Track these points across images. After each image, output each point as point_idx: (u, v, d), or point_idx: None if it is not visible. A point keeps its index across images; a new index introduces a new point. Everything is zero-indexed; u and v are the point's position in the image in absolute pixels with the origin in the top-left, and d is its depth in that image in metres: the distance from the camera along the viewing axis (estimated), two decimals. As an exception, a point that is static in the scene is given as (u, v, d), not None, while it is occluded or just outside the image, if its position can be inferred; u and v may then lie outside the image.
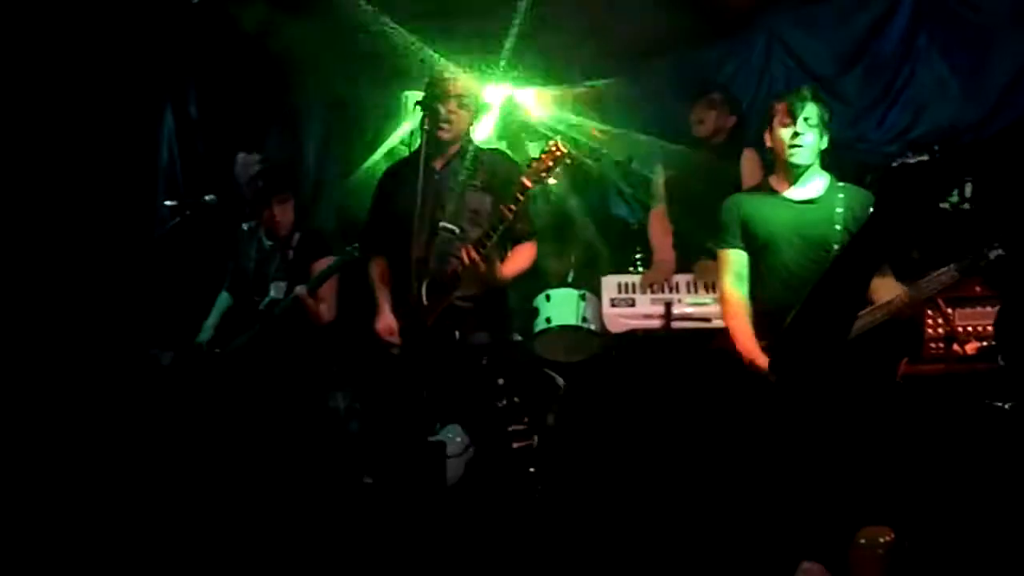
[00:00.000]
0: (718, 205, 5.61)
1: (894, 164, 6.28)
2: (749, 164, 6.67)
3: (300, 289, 6.33)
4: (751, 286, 5.36)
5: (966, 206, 6.24)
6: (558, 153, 4.91)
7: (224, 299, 7.01)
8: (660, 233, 6.95)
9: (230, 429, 6.27)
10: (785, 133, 5.24)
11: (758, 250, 5.33)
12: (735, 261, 5.35)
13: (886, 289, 5.17)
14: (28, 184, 7.16)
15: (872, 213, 5.42)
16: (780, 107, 5.28)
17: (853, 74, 7.48)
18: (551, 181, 4.96)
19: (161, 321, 7.91)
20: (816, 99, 5.28)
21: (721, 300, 5.39)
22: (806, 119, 5.21)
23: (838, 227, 5.21)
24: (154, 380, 6.86)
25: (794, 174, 5.31)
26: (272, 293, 6.50)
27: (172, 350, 7.23)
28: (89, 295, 7.20)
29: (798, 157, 5.25)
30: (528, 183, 4.92)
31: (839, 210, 5.24)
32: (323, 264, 6.43)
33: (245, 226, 6.84)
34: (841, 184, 5.39)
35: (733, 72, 7.89)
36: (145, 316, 7.58)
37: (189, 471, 6.11)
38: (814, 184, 5.35)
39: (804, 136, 5.22)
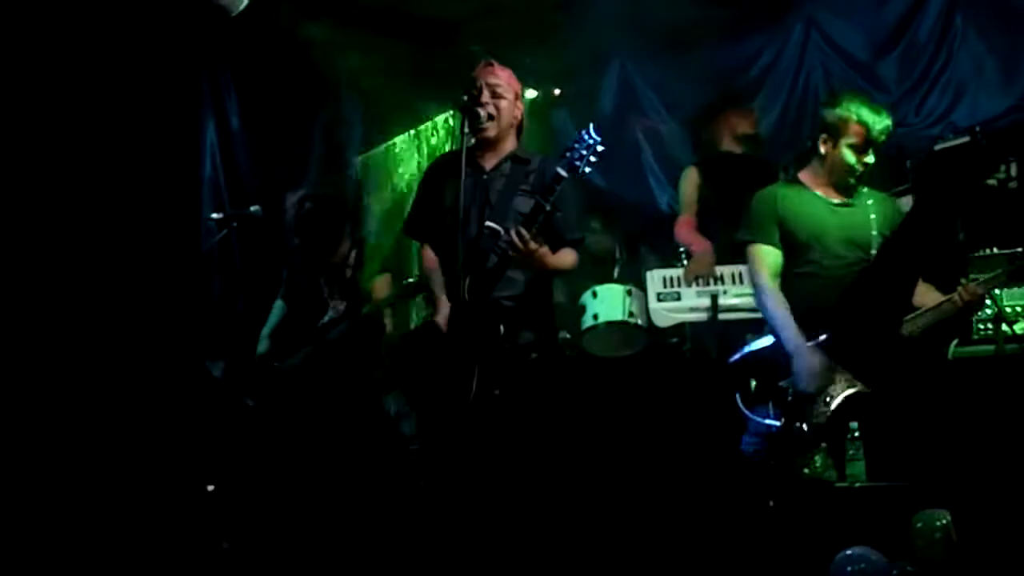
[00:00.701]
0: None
1: (936, 147, 6.31)
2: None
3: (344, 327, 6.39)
4: (784, 283, 5.37)
5: (1013, 184, 6.24)
6: (592, 142, 4.90)
7: (279, 307, 6.97)
8: (688, 233, 6.95)
9: (287, 438, 6.29)
10: (854, 160, 5.22)
11: (797, 248, 5.33)
12: (773, 259, 5.34)
13: (929, 296, 5.19)
14: (72, 201, 7.23)
15: (916, 197, 5.46)
16: (857, 130, 5.19)
17: (890, 59, 7.47)
18: (586, 170, 4.91)
19: (211, 333, 7.99)
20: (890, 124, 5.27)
21: (760, 296, 5.35)
22: (879, 146, 5.23)
23: (874, 232, 5.23)
24: (208, 391, 6.90)
25: (843, 189, 5.34)
26: (330, 313, 6.49)
27: (223, 360, 7.29)
28: (139, 310, 7.25)
29: (854, 180, 5.29)
30: (563, 172, 4.90)
31: (872, 215, 5.26)
32: (380, 283, 6.44)
33: (298, 241, 6.83)
34: (866, 189, 5.41)
35: (771, 61, 7.90)
36: (196, 329, 7.63)
37: (249, 480, 6.16)
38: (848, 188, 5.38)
39: (871, 164, 5.23)
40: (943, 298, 5.11)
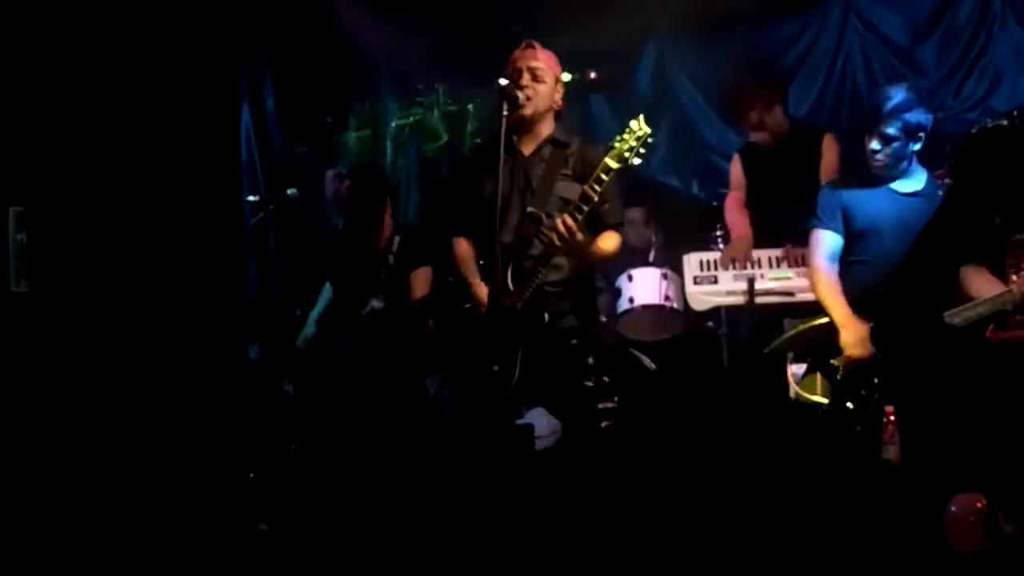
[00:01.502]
0: (795, 192, 5.68)
1: (973, 130, 6.29)
2: (831, 151, 6.65)
3: (385, 320, 6.38)
4: (841, 272, 5.46)
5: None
6: (641, 133, 4.89)
7: (328, 290, 6.93)
8: (736, 214, 6.94)
9: (328, 425, 6.29)
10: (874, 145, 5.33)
11: (857, 236, 5.44)
12: (831, 243, 5.48)
13: (983, 282, 5.16)
14: (108, 185, 7.26)
15: (954, 180, 5.46)
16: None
17: (929, 43, 7.45)
18: (635, 161, 4.91)
19: (248, 316, 8.02)
20: (914, 109, 5.32)
21: (813, 275, 5.50)
22: (887, 136, 5.29)
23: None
24: (245, 375, 6.92)
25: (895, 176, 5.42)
26: (373, 303, 6.47)
27: (259, 344, 7.32)
28: (182, 294, 7.28)
29: (886, 171, 5.39)
30: (613, 164, 4.90)
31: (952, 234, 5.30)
32: (421, 276, 6.38)
33: (342, 226, 6.80)
34: (939, 181, 5.53)
35: (808, 46, 7.87)
36: (236, 312, 7.67)
37: (288, 463, 6.18)
38: (917, 178, 5.47)
39: (891, 149, 5.32)
40: (1000, 288, 5.07)
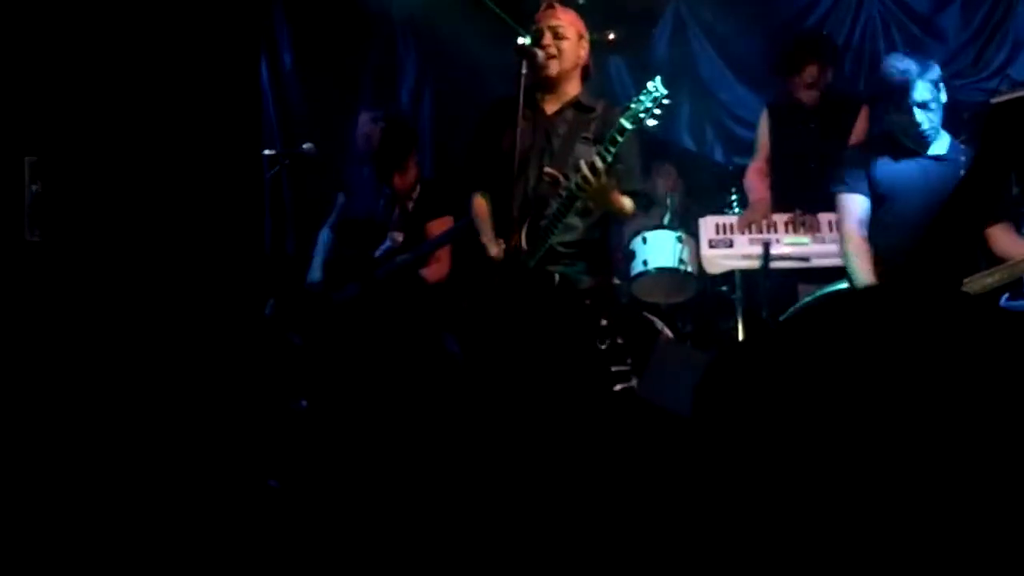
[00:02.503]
0: (826, 159, 5.66)
1: (992, 100, 6.26)
2: (863, 120, 6.64)
3: (403, 258, 6.37)
4: (868, 235, 5.44)
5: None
6: (657, 94, 4.88)
7: (325, 236, 6.96)
8: (756, 178, 6.92)
9: (339, 374, 6.31)
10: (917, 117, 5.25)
11: (880, 199, 5.40)
12: (860, 206, 5.43)
13: (1010, 242, 5.16)
14: (126, 136, 7.26)
15: (975, 152, 5.43)
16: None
17: (950, 11, 7.44)
18: (651, 122, 4.89)
19: (263, 270, 8.03)
20: (929, 67, 5.28)
21: (845, 240, 5.43)
22: (924, 104, 5.23)
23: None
24: (259, 329, 6.92)
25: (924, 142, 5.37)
26: (389, 242, 6.48)
27: (272, 298, 7.32)
28: (191, 245, 7.28)
29: (932, 140, 5.34)
30: (628, 124, 4.87)
31: (963, 172, 5.25)
32: (439, 226, 6.38)
33: (364, 172, 6.79)
34: (963, 146, 5.45)
35: (827, 10, 7.85)
36: (253, 264, 7.66)
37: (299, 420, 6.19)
38: (941, 141, 5.39)
39: (931, 115, 5.26)
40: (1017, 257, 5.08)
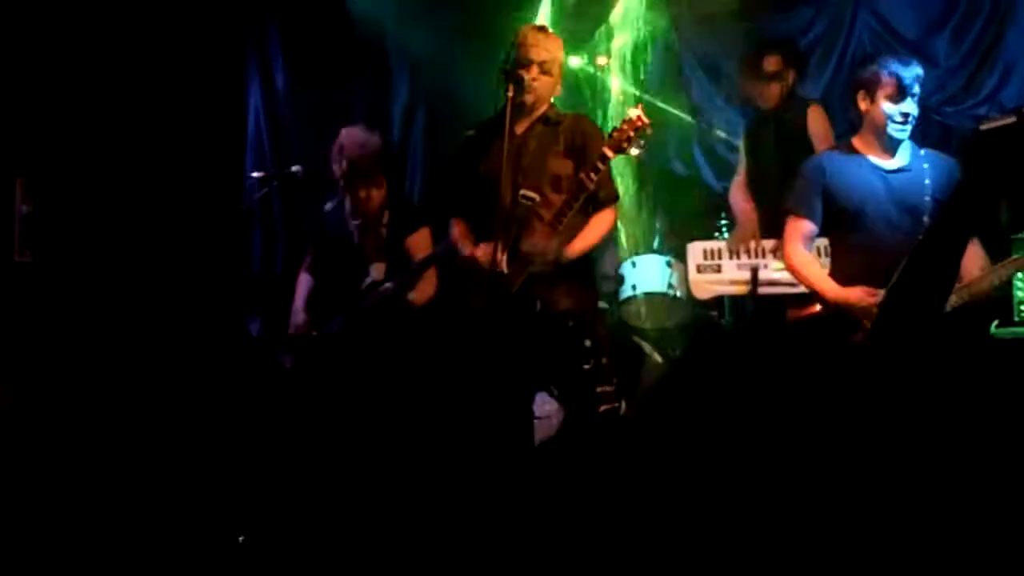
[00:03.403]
0: (790, 166, 5.62)
1: (981, 127, 6.26)
2: (819, 122, 6.61)
3: (386, 287, 6.26)
4: (834, 256, 5.37)
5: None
6: (639, 123, 4.89)
7: (306, 281, 6.68)
8: (741, 200, 6.91)
9: (325, 408, 6.23)
10: (893, 109, 5.12)
11: (846, 218, 5.25)
12: (805, 230, 5.30)
13: (974, 260, 5.14)
14: (117, 157, 7.26)
15: (962, 178, 5.39)
16: (889, 81, 5.13)
17: (940, 36, 7.42)
18: (633, 152, 4.92)
19: (250, 291, 8.01)
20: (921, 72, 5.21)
21: (790, 261, 5.34)
22: (914, 95, 5.14)
23: (927, 197, 5.16)
24: (246, 352, 6.87)
25: (892, 146, 5.25)
26: (372, 275, 6.33)
27: (260, 317, 7.28)
28: (179, 265, 7.27)
29: (904, 133, 5.20)
30: (610, 153, 4.92)
31: (927, 180, 5.20)
32: (418, 239, 6.29)
33: (329, 205, 6.57)
34: (923, 152, 5.32)
35: (819, 35, 7.86)
36: (235, 286, 7.63)
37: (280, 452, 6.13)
38: (902, 151, 5.27)
39: (912, 114, 5.16)
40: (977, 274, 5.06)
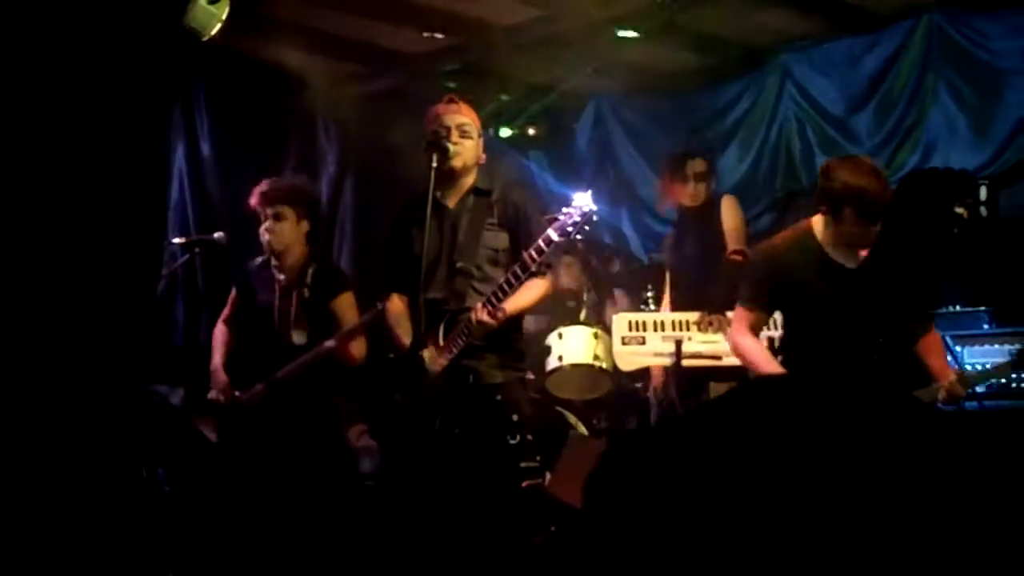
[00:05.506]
0: (707, 257, 5.63)
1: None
2: (731, 211, 6.69)
3: (306, 359, 6.12)
4: (785, 345, 5.35)
5: (983, 210, 6.27)
6: (586, 209, 4.82)
7: (222, 333, 6.53)
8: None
9: (244, 471, 6.13)
10: (861, 236, 4.88)
11: (800, 311, 5.14)
12: (756, 321, 5.17)
13: (933, 357, 5.11)
14: (37, 217, 7.16)
15: (883, 226, 5.23)
16: (849, 213, 4.79)
17: (864, 113, 7.54)
18: (578, 237, 4.86)
19: (169, 359, 7.89)
20: None
21: (735, 342, 5.18)
22: None
23: (883, 292, 5.03)
24: (165, 420, 6.74)
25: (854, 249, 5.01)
26: (295, 340, 6.26)
27: (182, 387, 7.18)
28: (97, 330, 7.16)
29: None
30: (556, 237, 4.84)
31: (882, 277, 5.04)
32: (342, 303, 6.20)
33: (258, 259, 6.40)
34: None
35: (746, 111, 7.96)
36: (153, 354, 7.53)
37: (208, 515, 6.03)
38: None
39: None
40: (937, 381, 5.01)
